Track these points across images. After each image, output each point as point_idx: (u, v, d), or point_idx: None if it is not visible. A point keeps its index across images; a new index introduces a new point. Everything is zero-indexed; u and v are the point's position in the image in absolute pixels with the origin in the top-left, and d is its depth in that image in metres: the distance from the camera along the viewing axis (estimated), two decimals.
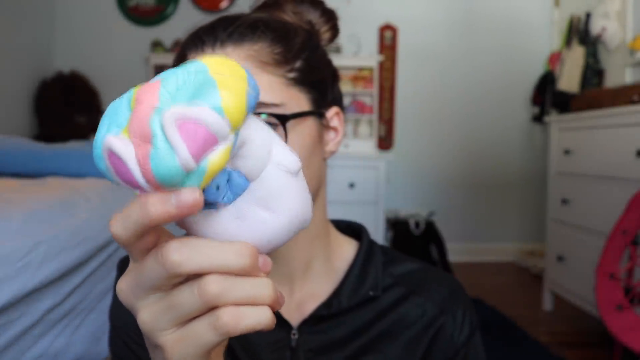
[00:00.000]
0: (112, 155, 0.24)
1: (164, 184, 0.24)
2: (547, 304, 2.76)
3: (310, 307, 0.57)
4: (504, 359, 2.15)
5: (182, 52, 0.52)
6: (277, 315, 0.55)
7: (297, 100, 0.51)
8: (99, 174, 1.97)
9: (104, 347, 1.49)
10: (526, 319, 2.59)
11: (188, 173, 0.24)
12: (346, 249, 0.62)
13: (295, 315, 0.57)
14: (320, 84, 0.55)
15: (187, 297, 0.27)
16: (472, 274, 3.47)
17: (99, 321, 1.49)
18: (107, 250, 1.56)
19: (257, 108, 0.48)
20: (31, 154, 2.05)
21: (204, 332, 0.27)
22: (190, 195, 0.24)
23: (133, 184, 0.25)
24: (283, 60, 0.51)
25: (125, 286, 0.28)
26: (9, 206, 1.33)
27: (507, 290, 3.21)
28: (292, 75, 0.51)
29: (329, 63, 0.58)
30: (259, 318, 0.27)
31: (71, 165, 2.00)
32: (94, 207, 1.58)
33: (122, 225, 0.26)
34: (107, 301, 1.53)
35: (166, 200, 0.24)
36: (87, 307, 1.46)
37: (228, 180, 0.27)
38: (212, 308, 0.27)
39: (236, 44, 0.49)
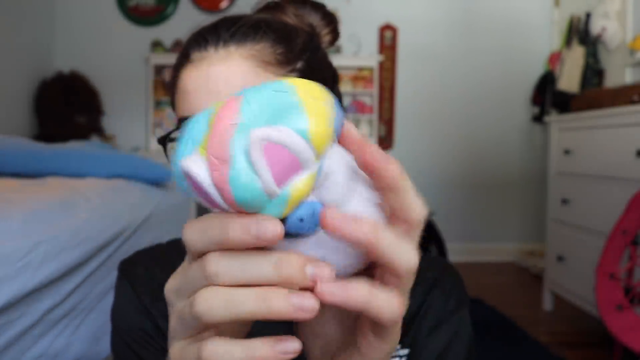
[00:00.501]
0: (189, 177, 0.24)
1: (244, 208, 0.24)
2: (547, 304, 2.76)
3: None
4: (504, 359, 2.15)
5: (185, 51, 0.52)
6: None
7: None
8: (99, 174, 1.97)
9: (103, 347, 1.49)
10: (526, 319, 2.59)
11: (270, 198, 0.24)
12: None
13: None
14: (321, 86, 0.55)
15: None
16: (472, 274, 3.47)
17: (99, 321, 1.49)
18: (107, 250, 1.56)
19: None
20: (31, 154, 2.04)
21: (191, 358, 0.26)
22: (272, 228, 0.23)
23: (214, 205, 0.24)
24: (285, 61, 0.51)
25: (170, 286, 0.28)
26: (9, 206, 1.33)
27: (507, 290, 3.21)
28: (293, 75, 0.51)
29: (329, 65, 0.59)
30: (246, 354, 0.25)
31: (71, 165, 2.00)
32: (94, 207, 1.57)
33: (198, 236, 0.25)
34: (107, 301, 1.53)
35: (246, 227, 0.24)
36: (87, 307, 1.46)
37: (312, 214, 0.26)
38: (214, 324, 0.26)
39: (239, 44, 0.49)
